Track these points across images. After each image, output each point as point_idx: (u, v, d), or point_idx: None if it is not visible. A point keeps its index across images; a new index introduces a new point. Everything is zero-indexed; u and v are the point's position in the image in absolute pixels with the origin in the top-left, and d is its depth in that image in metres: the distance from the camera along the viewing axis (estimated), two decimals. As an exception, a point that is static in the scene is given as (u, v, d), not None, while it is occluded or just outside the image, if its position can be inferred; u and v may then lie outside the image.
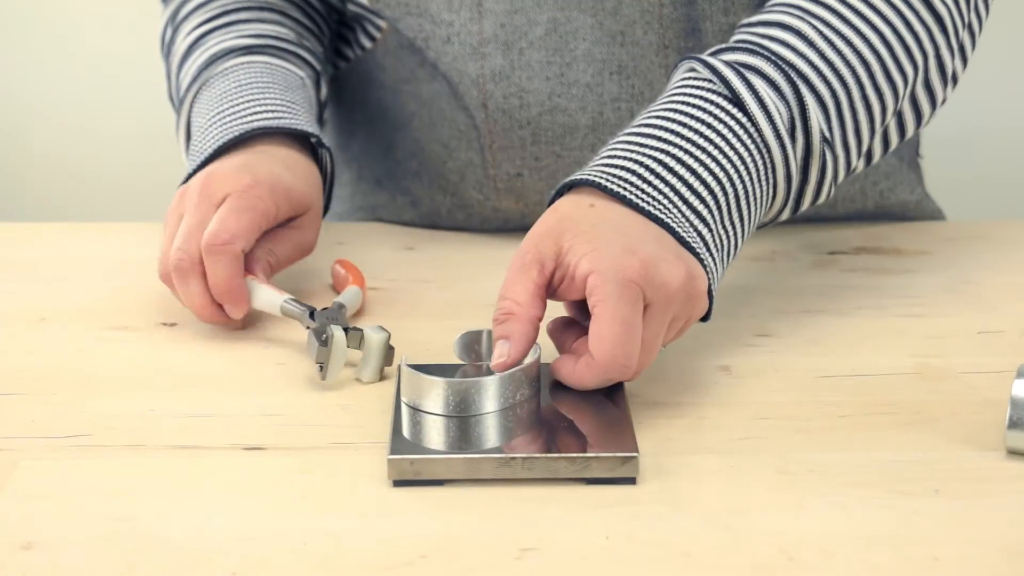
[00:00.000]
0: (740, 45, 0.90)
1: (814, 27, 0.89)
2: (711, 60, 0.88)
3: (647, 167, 0.83)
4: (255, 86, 1.00)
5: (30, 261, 1.07)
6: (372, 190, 1.17)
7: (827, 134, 0.88)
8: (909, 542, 0.70)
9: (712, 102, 0.86)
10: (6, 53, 1.88)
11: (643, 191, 0.82)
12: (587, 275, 0.78)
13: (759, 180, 0.86)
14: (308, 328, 0.87)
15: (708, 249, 0.82)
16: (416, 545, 0.69)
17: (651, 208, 0.81)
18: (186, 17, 1.09)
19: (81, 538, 0.70)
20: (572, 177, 0.84)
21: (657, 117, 0.86)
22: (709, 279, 0.82)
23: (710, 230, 0.83)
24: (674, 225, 0.81)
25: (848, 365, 0.88)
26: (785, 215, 0.90)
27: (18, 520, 0.72)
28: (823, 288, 1.00)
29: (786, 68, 0.87)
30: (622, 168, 0.83)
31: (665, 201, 0.82)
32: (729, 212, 0.84)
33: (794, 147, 0.87)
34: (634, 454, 0.74)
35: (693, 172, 0.83)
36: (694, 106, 0.86)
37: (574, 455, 0.74)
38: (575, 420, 0.79)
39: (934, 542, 0.69)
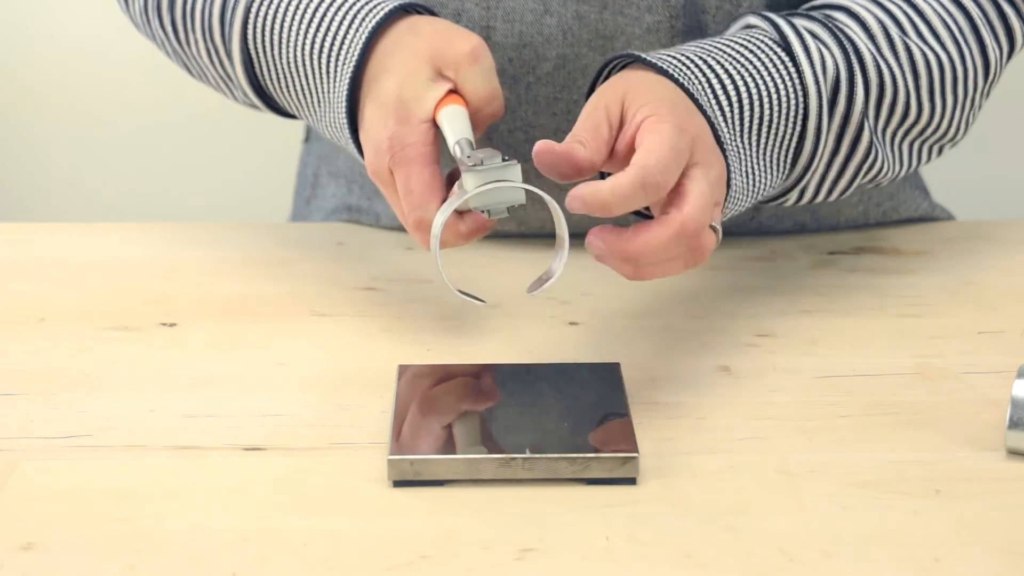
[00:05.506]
0: (802, 12, 0.94)
1: (881, 26, 0.93)
2: (770, 15, 0.92)
3: (689, 59, 0.86)
4: None
5: (30, 261, 1.07)
6: (364, 202, 1.16)
7: (867, 111, 0.91)
8: (909, 542, 0.70)
9: (763, 41, 0.90)
10: (6, 52, 1.88)
11: (683, 71, 0.85)
12: (646, 117, 0.80)
13: (788, 119, 0.88)
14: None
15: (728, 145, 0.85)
16: (416, 545, 0.69)
17: (687, 84, 0.84)
18: None
19: (81, 538, 0.70)
20: (615, 55, 0.88)
21: (706, 40, 0.90)
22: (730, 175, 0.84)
23: (731, 133, 0.85)
24: (704, 106, 0.84)
25: (848, 365, 0.88)
26: (799, 182, 0.92)
27: (18, 520, 0.72)
28: (823, 288, 1.00)
29: (843, 39, 0.91)
30: (666, 55, 0.87)
31: (699, 86, 0.85)
32: (748, 131, 0.86)
33: (834, 110, 0.90)
34: (634, 454, 0.74)
35: (730, 77, 0.87)
36: (743, 37, 0.90)
37: (574, 455, 0.74)
38: (575, 420, 0.79)
39: (934, 542, 0.69)
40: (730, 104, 0.86)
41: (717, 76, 0.86)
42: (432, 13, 0.94)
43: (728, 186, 0.84)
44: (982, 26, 0.96)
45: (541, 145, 0.78)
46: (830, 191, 0.94)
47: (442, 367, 0.86)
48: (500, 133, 1.03)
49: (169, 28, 1.02)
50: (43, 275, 1.04)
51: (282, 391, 0.85)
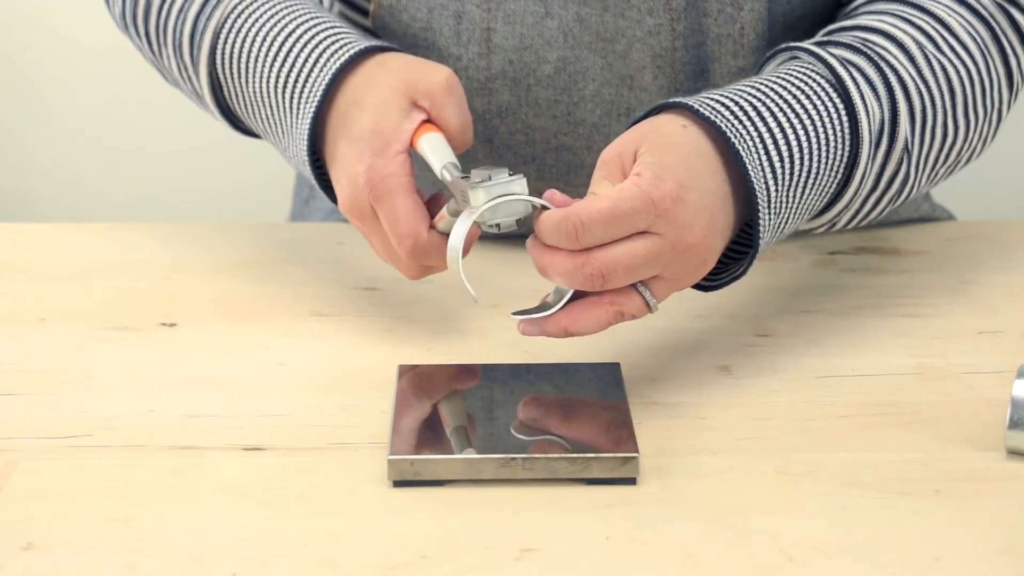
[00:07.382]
0: (841, 41, 0.91)
1: (919, 47, 0.91)
2: (816, 50, 0.89)
3: (743, 109, 0.83)
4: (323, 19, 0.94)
5: (30, 261, 1.07)
6: None
7: (909, 145, 0.89)
8: (909, 542, 0.70)
9: (817, 83, 0.87)
10: (5, 51, 1.88)
11: (733, 126, 0.82)
12: (635, 172, 0.79)
13: (835, 169, 0.86)
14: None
15: (769, 206, 0.82)
16: (416, 545, 0.69)
17: (735, 140, 0.82)
18: None
19: (81, 538, 0.70)
20: (670, 100, 0.85)
21: (760, 80, 0.87)
22: (759, 237, 0.82)
23: (777, 190, 0.83)
24: (749, 169, 0.81)
25: (848, 365, 0.88)
26: (831, 219, 0.90)
27: (18, 520, 0.72)
28: (823, 288, 1.00)
29: (886, 71, 0.89)
30: (719, 102, 0.83)
31: (749, 143, 0.82)
32: (795, 185, 0.84)
33: (877, 151, 0.88)
34: (634, 454, 0.74)
35: (782, 130, 0.84)
36: (798, 78, 0.87)
37: (574, 455, 0.74)
38: (575, 420, 0.79)
39: (934, 542, 0.69)
40: (781, 161, 0.83)
41: (770, 131, 0.83)
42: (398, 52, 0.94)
43: (754, 245, 0.82)
44: (1001, 35, 0.95)
45: (555, 198, 0.79)
46: (860, 221, 0.92)
47: (442, 367, 0.86)
48: (500, 135, 1.03)
49: (144, 38, 1.02)
50: (43, 275, 1.04)
51: (282, 391, 0.85)
